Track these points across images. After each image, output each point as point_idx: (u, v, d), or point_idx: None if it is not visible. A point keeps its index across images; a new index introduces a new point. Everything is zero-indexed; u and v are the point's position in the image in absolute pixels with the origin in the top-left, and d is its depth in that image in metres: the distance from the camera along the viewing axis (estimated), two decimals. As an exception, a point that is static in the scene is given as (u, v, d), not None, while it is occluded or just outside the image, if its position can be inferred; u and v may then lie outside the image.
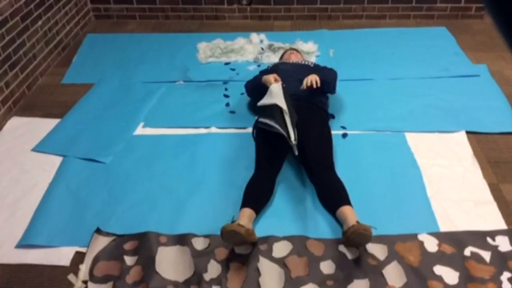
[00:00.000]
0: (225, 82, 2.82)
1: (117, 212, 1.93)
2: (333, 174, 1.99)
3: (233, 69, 2.97)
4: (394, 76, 2.84)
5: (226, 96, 2.69)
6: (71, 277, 1.67)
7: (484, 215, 1.87)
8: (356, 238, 1.66)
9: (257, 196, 1.91)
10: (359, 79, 2.81)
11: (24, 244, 1.80)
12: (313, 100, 2.27)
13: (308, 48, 3.14)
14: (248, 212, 1.79)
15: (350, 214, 1.77)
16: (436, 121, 2.41)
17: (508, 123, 2.39)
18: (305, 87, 2.23)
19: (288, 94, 2.14)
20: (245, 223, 1.70)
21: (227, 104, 2.62)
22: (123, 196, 2.02)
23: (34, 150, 2.32)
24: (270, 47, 3.20)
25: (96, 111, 2.60)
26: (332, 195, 1.91)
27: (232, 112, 2.55)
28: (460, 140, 2.28)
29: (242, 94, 2.71)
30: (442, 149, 2.23)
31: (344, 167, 2.10)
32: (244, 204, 1.83)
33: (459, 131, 2.33)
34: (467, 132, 2.32)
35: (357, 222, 1.69)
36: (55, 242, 1.81)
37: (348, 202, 1.83)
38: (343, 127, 2.39)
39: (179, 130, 2.43)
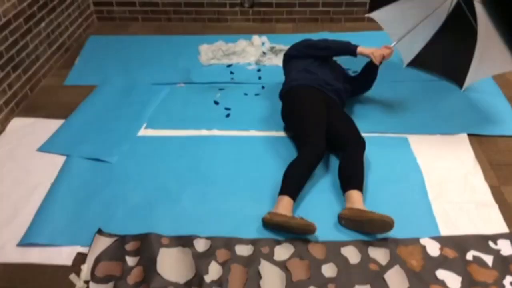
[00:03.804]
0: (220, 89, 2.81)
1: (119, 213, 1.94)
2: (363, 156, 2.04)
3: (232, 72, 2.98)
4: (395, 78, 2.84)
5: (216, 103, 2.67)
6: (72, 277, 1.67)
7: (485, 217, 1.87)
8: (347, 220, 1.81)
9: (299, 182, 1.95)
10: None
11: (26, 242, 1.80)
12: (342, 91, 2.37)
13: (310, 51, 3.14)
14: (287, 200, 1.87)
15: (356, 199, 1.86)
16: (437, 123, 2.41)
17: (509, 126, 2.39)
18: (378, 63, 2.34)
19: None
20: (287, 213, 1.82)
21: (227, 109, 2.62)
22: (125, 197, 2.02)
23: (40, 150, 2.33)
24: (272, 49, 3.20)
25: (100, 112, 2.61)
26: (351, 175, 1.96)
27: (228, 116, 2.55)
28: (461, 143, 2.28)
29: (245, 94, 2.72)
30: (444, 151, 2.23)
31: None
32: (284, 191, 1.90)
33: (460, 134, 2.33)
34: (469, 135, 2.32)
35: (353, 208, 1.81)
36: (56, 241, 1.81)
37: (359, 188, 1.90)
38: None
39: (181, 131, 2.44)
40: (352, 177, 1.95)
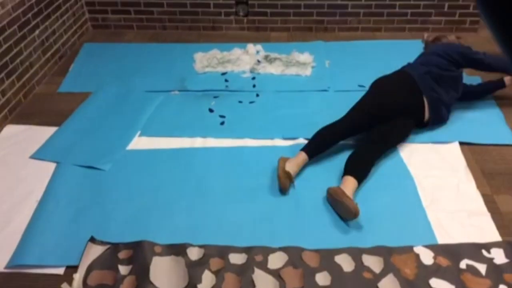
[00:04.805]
0: (215, 97, 2.81)
1: (111, 227, 1.89)
2: (377, 150, 2.16)
3: (227, 80, 2.98)
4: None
5: (211, 110, 2.67)
6: (64, 286, 1.66)
7: (478, 226, 1.88)
8: (329, 196, 1.95)
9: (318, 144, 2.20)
10: (354, 90, 2.82)
11: (13, 265, 1.74)
12: (437, 112, 2.37)
13: (304, 59, 3.17)
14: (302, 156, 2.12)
15: (349, 184, 1.97)
16: (429, 132, 2.41)
17: (501, 135, 2.41)
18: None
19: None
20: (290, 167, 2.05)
21: (211, 110, 2.65)
22: (117, 210, 1.97)
23: (32, 157, 2.31)
24: (266, 58, 3.22)
25: (94, 120, 2.60)
26: (355, 161, 2.09)
27: (222, 123, 2.55)
28: (453, 151, 2.29)
29: (240, 102, 2.74)
30: (436, 160, 2.24)
31: (338, 178, 2.11)
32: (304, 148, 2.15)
33: (452, 142, 2.34)
34: (461, 143, 2.33)
35: (340, 188, 1.92)
36: (46, 261, 1.74)
37: (355, 176, 2.00)
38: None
39: (175, 140, 2.42)
40: (357, 167, 2.06)
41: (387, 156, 2.25)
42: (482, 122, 2.49)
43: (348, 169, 2.04)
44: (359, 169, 2.05)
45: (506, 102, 2.67)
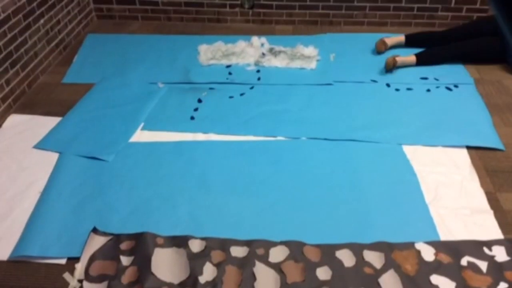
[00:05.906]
0: (211, 88, 2.81)
1: (113, 221, 1.89)
2: (450, 50, 2.85)
3: (230, 73, 2.97)
4: (393, 80, 2.84)
5: (200, 101, 2.67)
6: (66, 275, 1.67)
7: (480, 223, 1.87)
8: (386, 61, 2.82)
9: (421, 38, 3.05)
10: (359, 83, 2.81)
11: (16, 255, 1.75)
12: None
13: (309, 53, 3.15)
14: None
15: (407, 56, 2.80)
16: (436, 135, 2.36)
17: (489, 139, 2.34)
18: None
19: None
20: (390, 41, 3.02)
21: (196, 109, 2.61)
22: (119, 204, 1.97)
23: (36, 147, 2.32)
24: (271, 50, 3.21)
25: (97, 110, 2.59)
26: (427, 50, 2.85)
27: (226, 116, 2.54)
28: (457, 149, 2.28)
29: (241, 95, 2.73)
30: (440, 157, 2.23)
31: (340, 174, 2.10)
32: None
33: (458, 147, 2.30)
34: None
35: (394, 58, 2.77)
36: (48, 252, 1.75)
37: (418, 57, 2.81)
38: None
39: (178, 133, 2.42)
40: (425, 53, 2.81)
41: (389, 151, 2.25)
42: (472, 125, 2.42)
43: (419, 52, 2.77)
44: (425, 54, 2.76)
45: (494, 106, 2.62)
